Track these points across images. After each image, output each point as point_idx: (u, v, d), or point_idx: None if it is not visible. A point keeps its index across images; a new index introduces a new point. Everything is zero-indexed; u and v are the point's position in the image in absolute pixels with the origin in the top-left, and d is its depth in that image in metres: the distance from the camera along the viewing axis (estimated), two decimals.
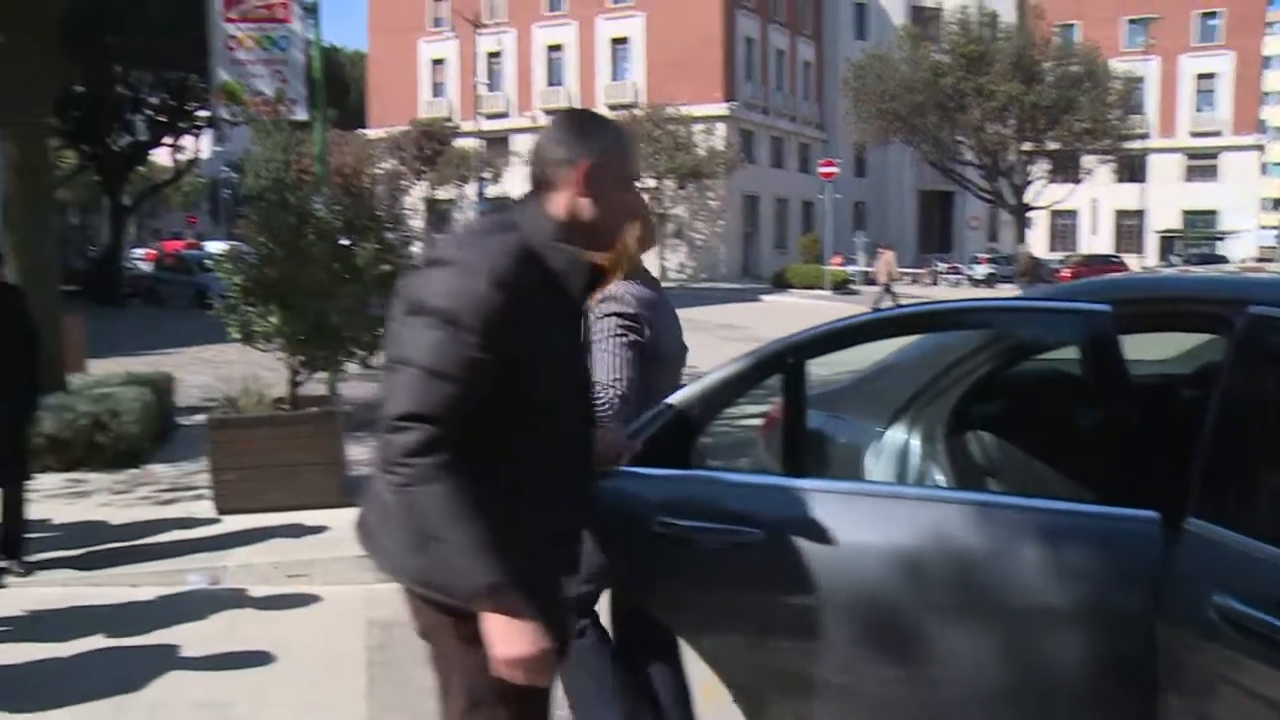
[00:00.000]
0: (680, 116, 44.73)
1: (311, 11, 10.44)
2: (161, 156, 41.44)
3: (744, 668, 2.92)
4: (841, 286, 39.19)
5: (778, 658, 2.86)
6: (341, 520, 6.90)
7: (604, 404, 3.26)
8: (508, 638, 2.09)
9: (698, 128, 46.04)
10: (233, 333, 7.09)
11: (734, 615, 2.88)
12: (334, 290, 6.79)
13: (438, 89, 59.44)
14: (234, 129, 45.47)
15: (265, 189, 8.18)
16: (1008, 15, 53.47)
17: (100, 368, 11.59)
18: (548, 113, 42.54)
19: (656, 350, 3.48)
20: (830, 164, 40.22)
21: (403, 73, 59.11)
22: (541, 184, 2.30)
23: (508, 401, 2.17)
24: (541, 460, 2.28)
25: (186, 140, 38.43)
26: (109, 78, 31.39)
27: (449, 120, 55.78)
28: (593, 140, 2.30)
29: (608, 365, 3.34)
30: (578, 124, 2.35)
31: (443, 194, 52.74)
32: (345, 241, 6.90)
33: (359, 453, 8.07)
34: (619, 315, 3.39)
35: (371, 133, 54.96)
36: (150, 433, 9.22)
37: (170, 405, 10.43)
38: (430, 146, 51.50)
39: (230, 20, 10.36)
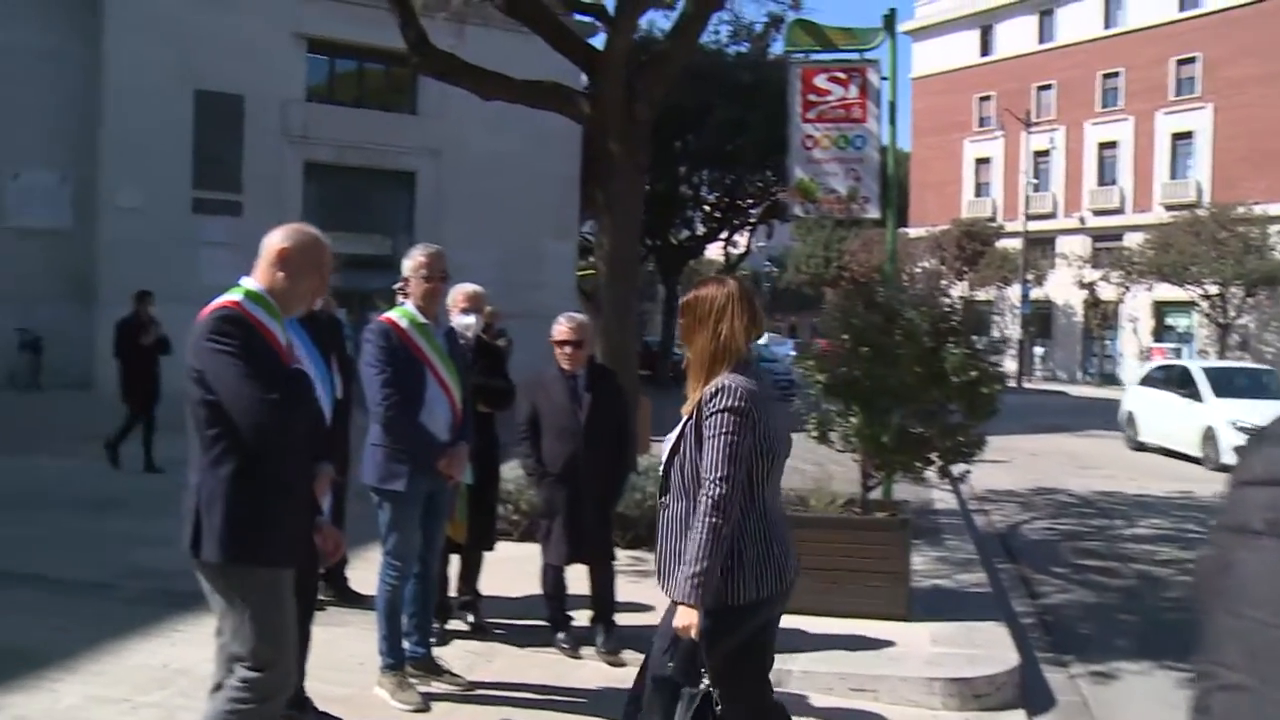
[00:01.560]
0: (1252, 217, 40.80)
1: (890, 110, 10.37)
2: (710, 250, 43.86)
3: None
4: None
5: None
6: (907, 637, 6.55)
7: (707, 500, 3.34)
8: None
9: (1273, 229, 41.73)
10: (810, 431, 6.99)
11: None
12: (918, 394, 6.50)
13: (981, 188, 58.56)
14: (781, 225, 47.21)
15: (843, 286, 8.08)
16: None
17: (656, 448, 12.07)
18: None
19: (769, 444, 3.50)
20: None
21: (945, 172, 58.95)
22: None
23: None
24: None
25: (737, 236, 40.42)
26: (675, 177, 33.82)
27: (992, 220, 54.69)
28: None
29: (715, 461, 3.38)
30: None
31: (982, 295, 51.67)
32: (930, 343, 6.60)
33: (916, 562, 7.71)
34: (731, 411, 3.40)
35: (912, 231, 55.10)
36: None
37: None
38: (972, 246, 50.70)
39: (808, 120, 10.55)
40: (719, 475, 3.39)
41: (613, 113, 9.80)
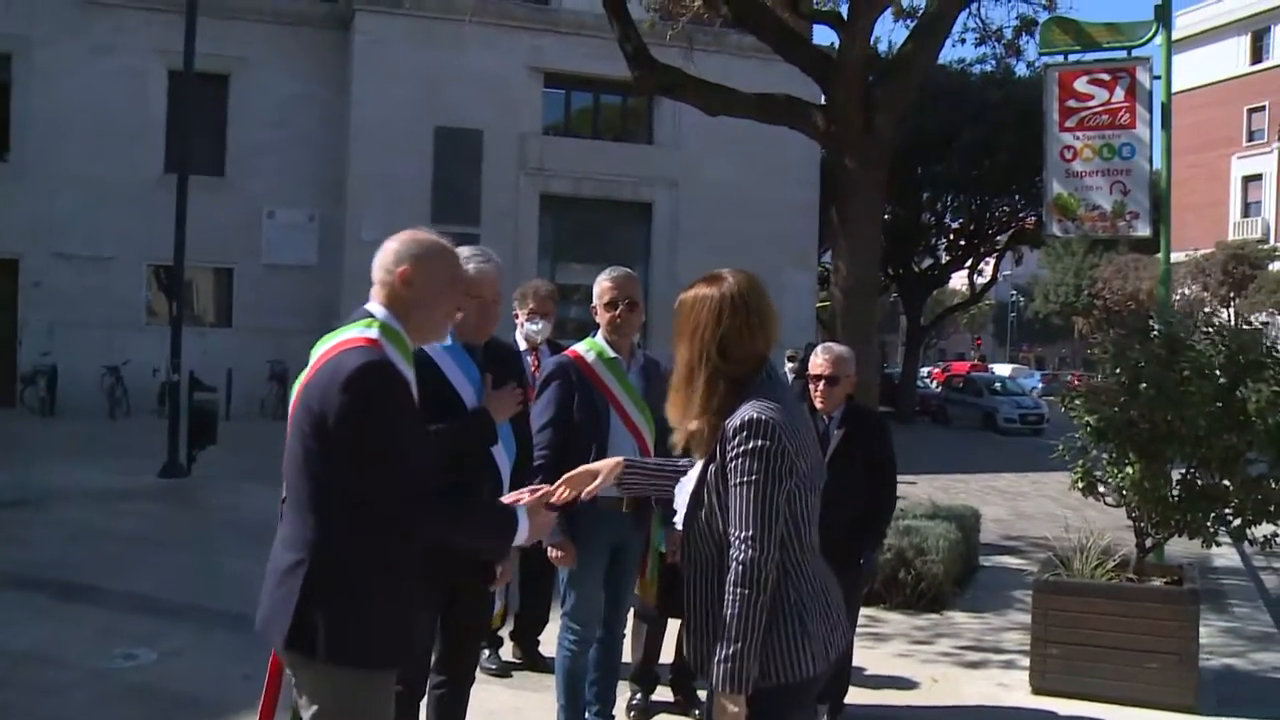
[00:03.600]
0: None
1: (1163, 112, 9.21)
2: (955, 279, 42.13)
3: None
4: None
5: None
6: None
7: (737, 566, 2.62)
8: None
9: None
10: (1075, 480, 6.02)
11: None
12: (1211, 440, 5.44)
13: (1250, 208, 54.37)
14: (1030, 252, 44.98)
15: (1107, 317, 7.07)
16: None
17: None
18: None
19: (809, 480, 2.77)
20: None
21: (1209, 192, 54.98)
22: None
23: None
24: None
25: (983, 264, 38.66)
26: (918, 204, 32.58)
27: (1263, 241, 50.72)
28: None
29: (744, 516, 2.64)
30: None
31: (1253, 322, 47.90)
32: (1224, 380, 5.54)
33: (1200, 635, 6.55)
34: (761, 454, 2.65)
35: (1172, 256, 51.61)
36: (953, 574, 8.42)
37: (975, 543, 9.61)
38: (1239, 270, 47.10)
39: (1067, 130, 9.52)
40: (748, 534, 2.64)
41: (850, 125, 9.07)
